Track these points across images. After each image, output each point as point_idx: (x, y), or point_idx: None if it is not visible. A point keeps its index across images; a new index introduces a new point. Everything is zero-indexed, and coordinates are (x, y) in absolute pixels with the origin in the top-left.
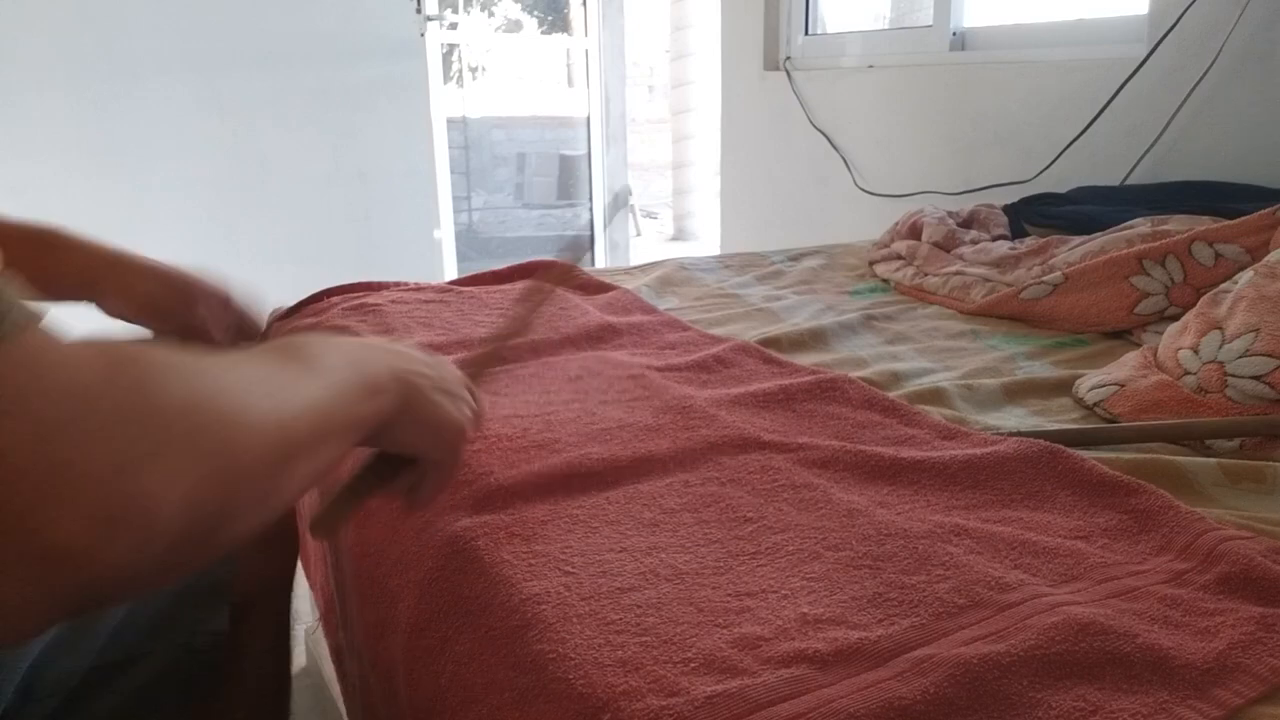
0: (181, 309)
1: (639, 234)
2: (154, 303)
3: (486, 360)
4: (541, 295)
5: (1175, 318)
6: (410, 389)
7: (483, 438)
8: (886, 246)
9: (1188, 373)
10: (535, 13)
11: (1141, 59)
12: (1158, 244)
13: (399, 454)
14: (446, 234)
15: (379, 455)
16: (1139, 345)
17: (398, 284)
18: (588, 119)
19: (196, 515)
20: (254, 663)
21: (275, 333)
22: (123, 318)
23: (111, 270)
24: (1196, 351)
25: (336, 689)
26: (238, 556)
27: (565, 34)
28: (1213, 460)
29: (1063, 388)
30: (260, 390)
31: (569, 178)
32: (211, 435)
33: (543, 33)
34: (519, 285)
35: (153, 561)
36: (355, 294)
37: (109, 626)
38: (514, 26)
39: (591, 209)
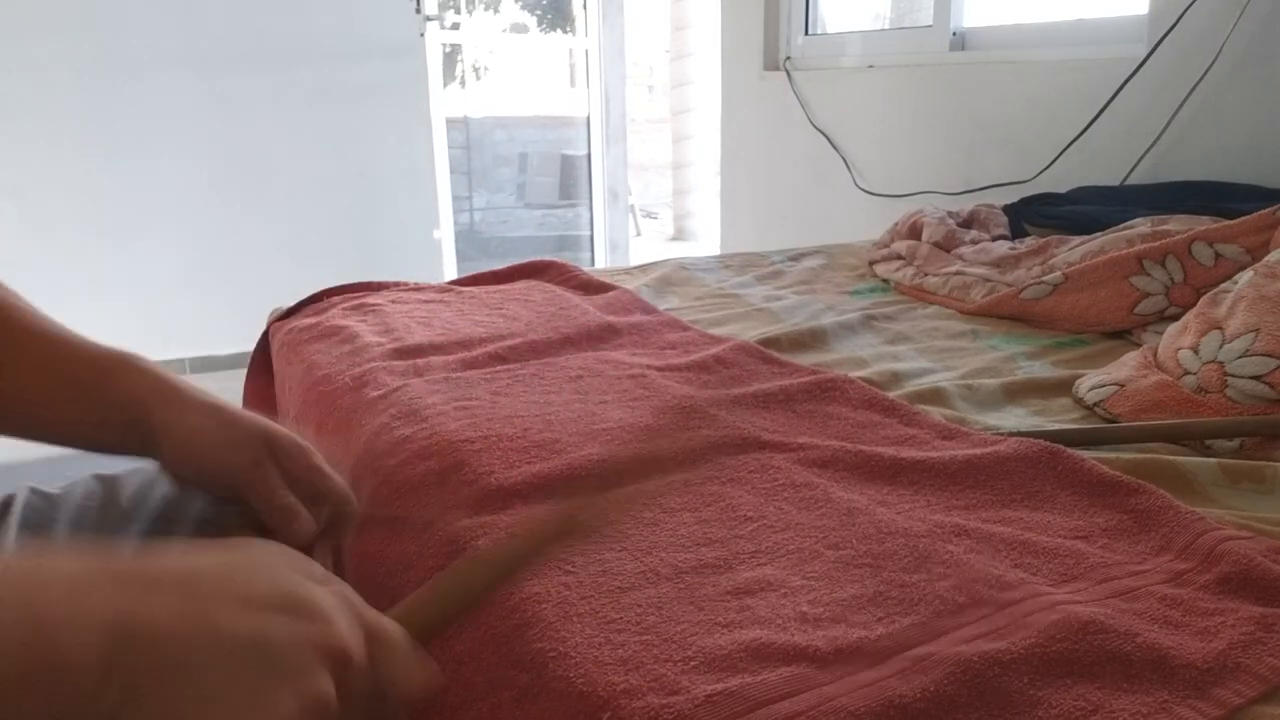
0: (232, 460)
1: (639, 234)
2: (197, 448)
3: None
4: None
5: (1175, 318)
6: (151, 653)
7: (483, 438)
8: (886, 246)
9: (1188, 373)
10: (536, 11)
11: (1141, 59)
12: (1158, 244)
13: None
14: (446, 234)
15: None
16: (1139, 345)
17: (398, 284)
18: (587, 119)
19: None
20: None
21: (274, 334)
22: (165, 466)
23: (159, 402)
24: (1196, 351)
25: None
26: None
27: (566, 33)
28: (1213, 460)
29: (1063, 388)
30: None
31: (571, 178)
32: None
33: (542, 31)
34: (519, 284)
35: None
36: (355, 294)
37: None
38: (519, 28)
39: (591, 209)
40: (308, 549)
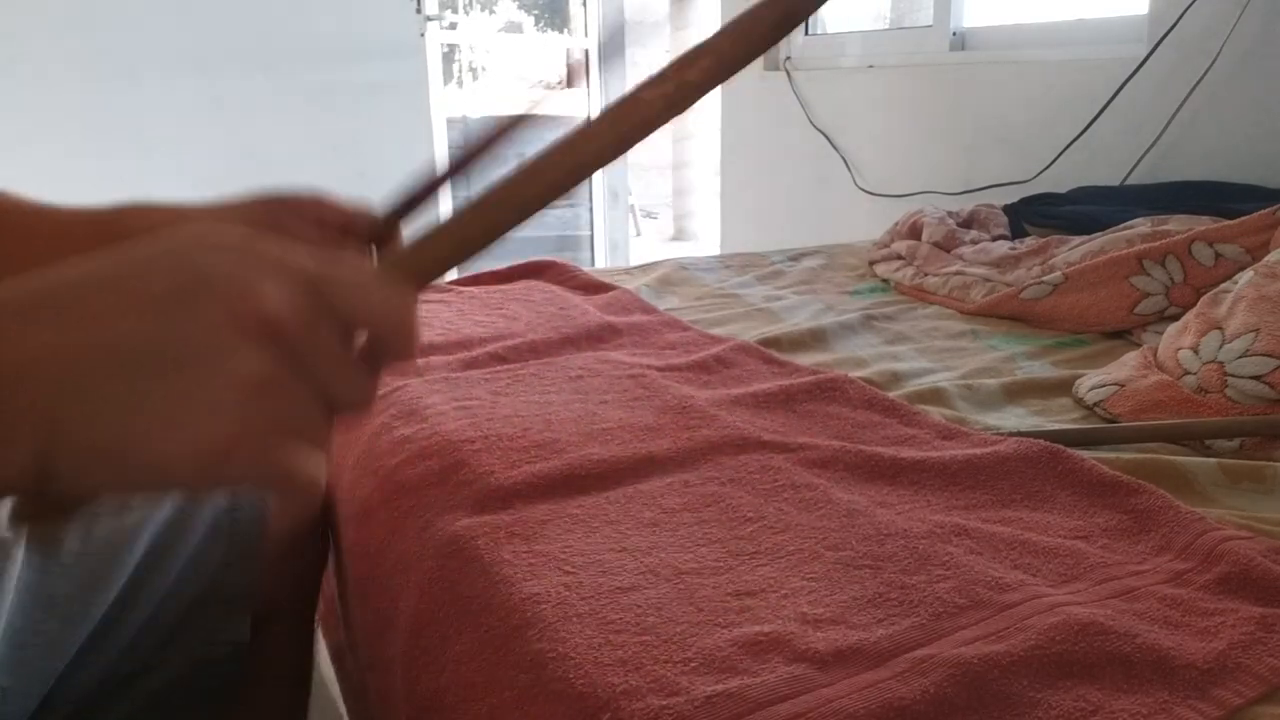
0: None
1: (639, 234)
2: None
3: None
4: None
5: (1175, 318)
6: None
7: (483, 438)
8: (886, 246)
9: (1188, 373)
10: (533, 11)
11: (1141, 59)
12: (1158, 244)
13: None
14: None
15: None
16: (1139, 345)
17: None
18: (588, 119)
19: None
20: (273, 672)
21: None
22: None
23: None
24: (1196, 351)
25: (336, 689)
26: (261, 565)
27: (563, 33)
28: (1213, 460)
29: (1063, 388)
30: None
31: None
32: None
33: (538, 30)
34: (519, 284)
35: None
36: None
37: (126, 637)
38: (514, 27)
39: (591, 209)
40: None
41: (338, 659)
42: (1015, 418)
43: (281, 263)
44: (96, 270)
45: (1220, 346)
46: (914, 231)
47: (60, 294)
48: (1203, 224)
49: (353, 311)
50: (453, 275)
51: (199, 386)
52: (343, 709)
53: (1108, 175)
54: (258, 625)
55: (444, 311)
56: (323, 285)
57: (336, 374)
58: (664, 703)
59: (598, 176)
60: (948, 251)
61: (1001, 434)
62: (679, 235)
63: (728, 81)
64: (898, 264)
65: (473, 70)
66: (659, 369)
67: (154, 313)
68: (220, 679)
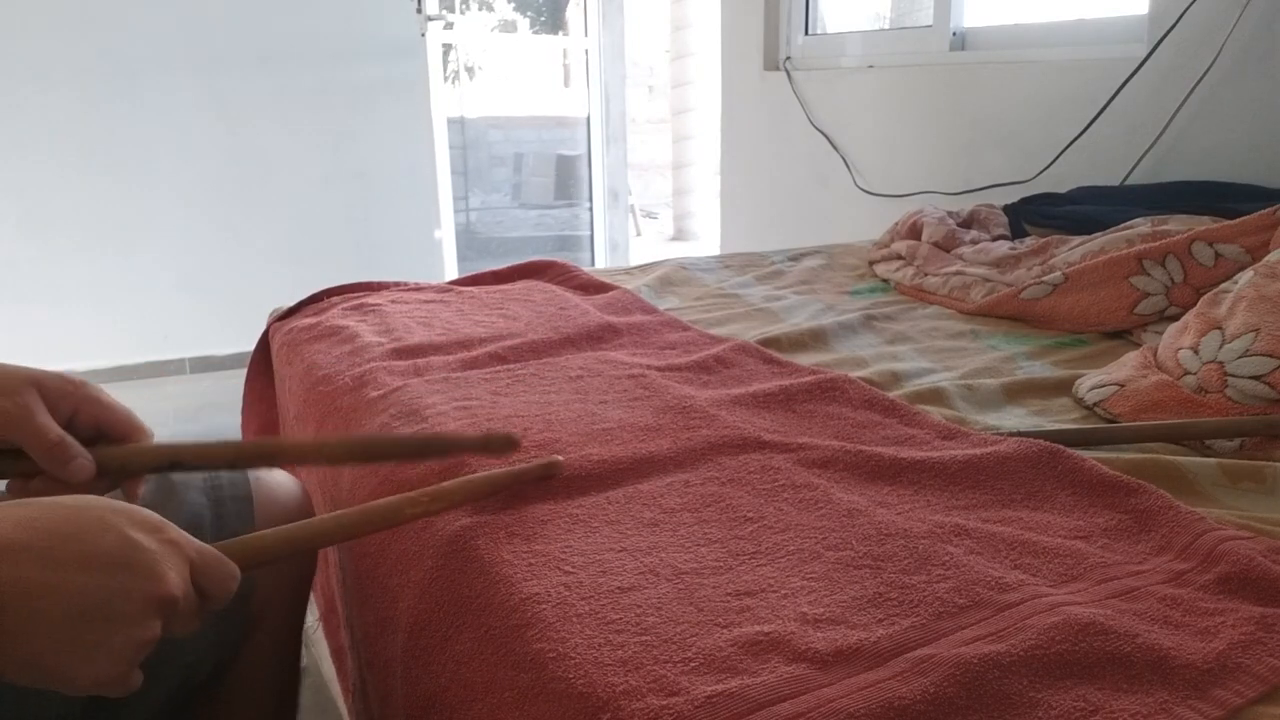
0: None
1: (639, 234)
2: None
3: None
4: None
5: (1175, 318)
6: None
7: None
8: (886, 246)
9: (1188, 373)
10: (528, 13)
11: (1141, 59)
12: (1158, 244)
13: None
14: (447, 234)
15: None
16: (1139, 345)
17: (398, 284)
18: (587, 119)
19: None
20: (264, 671)
21: (274, 334)
22: None
23: None
24: (1196, 351)
25: (336, 689)
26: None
27: (558, 34)
28: (1213, 460)
29: (1063, 388)
30: None
31: (566, 178)
32: None
33: (534, 32)
34: (519, 284)
35: None
36: (355, 294)
37: None
38: (509, 27)
39: (591, 209)
40: (96, 488)
41: (338, 659)
42: (1015, 418)
43: (184, 553)
44: (48, 522)
45: (1220, 346)
46: (914, 231)
47: (36, 543)
48: (1203, 224)
49: (208, 587)
50: (452, 275)
51: (113, 639)
52: (343, 709)
53: (1108, 175)
54: (248, 628)
55: (444, 311)
56: (197, 571)
57: (190, 624)
58: (664, 702)
59: (598, 177)
60: (948, 251)
61: (1001, 434)
62: (679, 235)
63: (727, 82)
64: (898, 264)
65: (470, 70)
66: (659, 369)
67: (100, 571)
68: (209, 683)
